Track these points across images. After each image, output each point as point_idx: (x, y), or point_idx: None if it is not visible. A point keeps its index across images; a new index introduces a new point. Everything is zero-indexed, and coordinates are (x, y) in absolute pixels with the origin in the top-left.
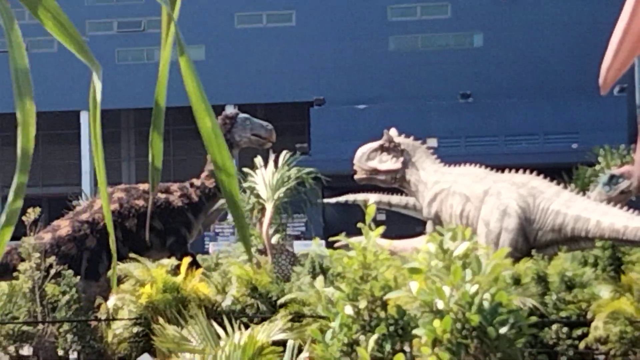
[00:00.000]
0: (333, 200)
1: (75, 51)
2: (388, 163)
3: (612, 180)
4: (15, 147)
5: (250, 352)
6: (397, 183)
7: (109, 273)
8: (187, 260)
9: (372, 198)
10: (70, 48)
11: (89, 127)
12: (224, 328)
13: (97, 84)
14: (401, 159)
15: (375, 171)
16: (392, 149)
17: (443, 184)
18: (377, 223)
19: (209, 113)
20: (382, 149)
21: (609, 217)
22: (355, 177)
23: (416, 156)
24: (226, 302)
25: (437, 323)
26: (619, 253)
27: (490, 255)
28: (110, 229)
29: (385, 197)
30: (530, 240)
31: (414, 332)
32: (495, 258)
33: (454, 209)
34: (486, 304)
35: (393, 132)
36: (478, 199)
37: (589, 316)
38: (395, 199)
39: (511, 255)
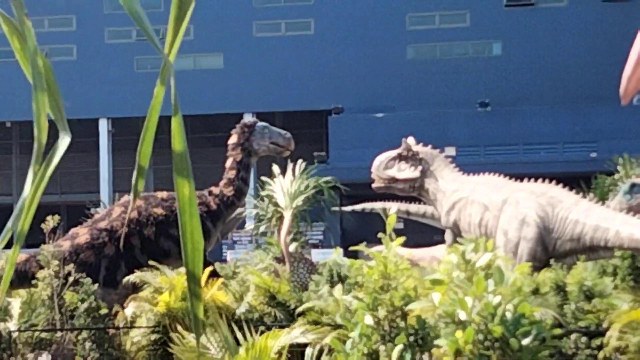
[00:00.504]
0: (350, 208)
1: (58, 121)
2: (406, 172)
3: (634, 189)
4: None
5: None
6: (415, 192)
7: (125, 280)
8: (208, 269)
9: (391, 207)
10: (50, 112)
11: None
12: (243, 336)
13: (61, 150)
14: (419, 167)
15: (394, 180)
16: (410, 157)
17: (461, 193)
18: (395, 232)
19: (189, 181)
20: (400, 157)
21: (628, 227)
22: (373, 185)
23: (434, 165)
24: (240, 310)
25: (459, 334)
26: (638, 263)
27: (510, 265)
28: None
29: (403, 206)
30: (549, 249)
31: (436, 342)
32: (518, 269)
33: (472, 218)
34: (509, 315)
35: (411, 140)
36: (497, 208)
37: (607, 326)
38: (413, 207)
39: (531, 264)
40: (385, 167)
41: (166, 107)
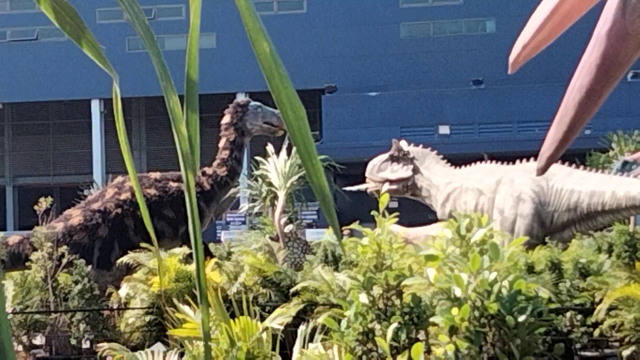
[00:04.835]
0: (348, 188)
1: (95, 58)
2: (399, 172)
3: (626, 166)
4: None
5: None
6: (409, 191)
7: (119, 261)
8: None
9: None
10: (90, 54)
11: (117, 131)
12: (241, 314)
13: (117, 92)
14: (411, 166)
15: (388, 181)
16: (401, 158)
17: (455, 183)
18: (390, 211)
19: (264, 36)
20: (392, 159)
21: (624, 187)
22: (368, 190)
23: (426, 162)
24: (232, 290)
25: (455, 311)
26: (634, 240)
27: (506, 242)
28: (146, 216)
29: None
30: (547, 224)
31: (432, 319)
32: (513, 245)
33: (467, 205)
34: (504, 292)
35: (403, 143)
36: (491, 191)
37: (602, 303)
38: None
39: (527, 242)
40: (379, 170)
41: (153, 88)
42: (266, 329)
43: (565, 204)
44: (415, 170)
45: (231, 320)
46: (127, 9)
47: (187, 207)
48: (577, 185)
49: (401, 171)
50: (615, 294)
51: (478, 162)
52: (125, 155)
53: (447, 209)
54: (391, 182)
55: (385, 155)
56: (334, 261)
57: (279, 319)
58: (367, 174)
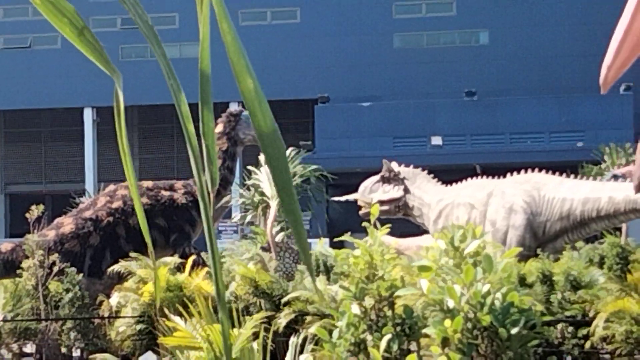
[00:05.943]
0: (336, 199)
1: (95, 59)
2: (390, 192)
3: (616, 180)
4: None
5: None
6: (401, 211)
7: (110, 270)
8: (191, 258)
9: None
10: (90, 56)
11: (116, 133)
12: (232, 324)
13: (120, 93)
14: (402, 186)
15: (380, 202)
16: (392, 178)
17: (446, 200)
18: (382, 221)
19: (249, 72)
20: (383, 180)
21: (621, 192)
22: (361, 212)
23: (417, 182)
24: None
25: (447, 323)
26: (626, 252)
27: (498, 253)
28: (144, 225)
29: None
30: (539, 234)
31: (425, 331)
32: (506, 257)
33: (460, 220)
34: (497, 304)
35: (394, 164)
36: (482, 204)
37: (593, 315)
38: None
39: (519, 253)
40: (370, 191)
41: (146, 97)
42: (256, 337)
43: (558, 213)
44: (407, 190)
45: (210, 327)
46: (131, 9)
47: (203, 215)
48: (569, 193)
49: (392, 191)
50: (609, 308)
51: (469, 178)
52: (124, 159)
53: (440, 225)
54: (383, 202)
55: (376, 177)
56: (325, 271)
57: (253, 322)
58: (358, 196)
